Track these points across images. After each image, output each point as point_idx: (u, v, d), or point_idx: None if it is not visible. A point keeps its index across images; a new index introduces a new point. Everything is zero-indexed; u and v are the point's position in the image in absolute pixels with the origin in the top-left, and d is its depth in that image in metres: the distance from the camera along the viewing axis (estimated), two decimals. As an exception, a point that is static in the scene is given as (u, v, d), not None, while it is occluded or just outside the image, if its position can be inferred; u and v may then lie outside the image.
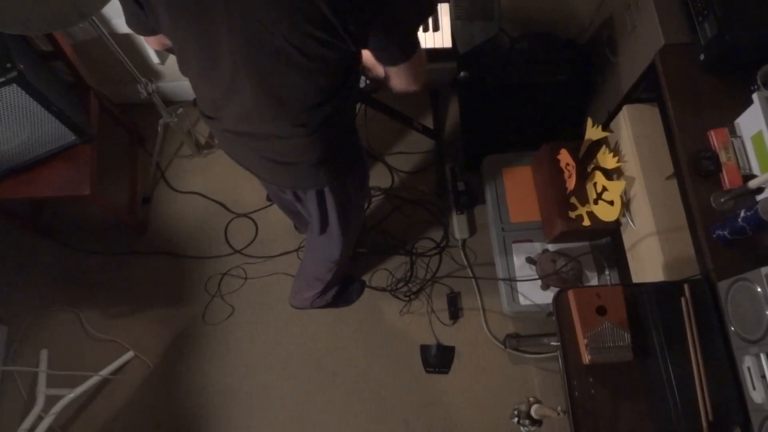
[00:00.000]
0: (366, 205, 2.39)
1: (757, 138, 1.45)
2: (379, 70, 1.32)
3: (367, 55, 1.18)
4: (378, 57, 1.17)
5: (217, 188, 2.48)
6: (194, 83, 1.27)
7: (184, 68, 1.24)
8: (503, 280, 2.19)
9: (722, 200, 1.47)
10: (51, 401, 2.00)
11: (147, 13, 1.14)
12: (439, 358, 2.22)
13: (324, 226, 1.63)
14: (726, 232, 1.40)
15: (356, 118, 1.53)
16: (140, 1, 1.12)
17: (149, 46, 2.10)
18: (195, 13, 1.05)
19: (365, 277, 2.35)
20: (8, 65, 1.57)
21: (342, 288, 2.22)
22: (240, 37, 1.04)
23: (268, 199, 2.41)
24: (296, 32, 1.01)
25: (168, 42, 1.26)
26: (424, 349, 2.24)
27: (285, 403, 2.18)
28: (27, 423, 1.93)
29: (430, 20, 1.78)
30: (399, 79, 1.25)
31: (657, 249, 1.72)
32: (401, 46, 1.15)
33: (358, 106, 2.41)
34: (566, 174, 2.04)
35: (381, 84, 1.36)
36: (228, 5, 1.00)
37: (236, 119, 1.25)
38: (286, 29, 1.00)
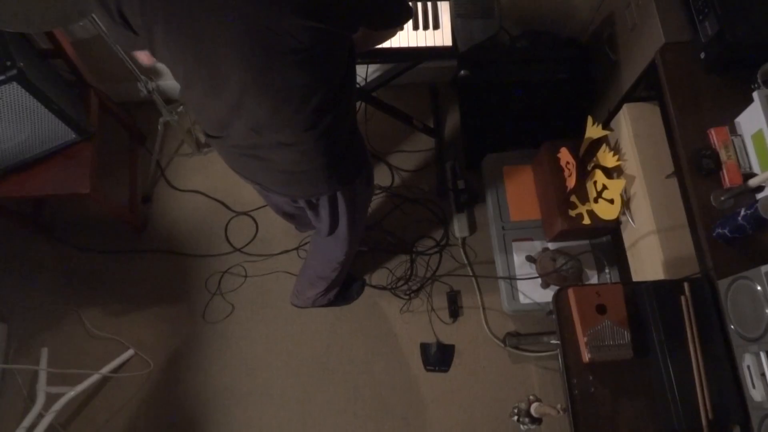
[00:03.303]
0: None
1: (758, 136, 1.45)
2: None
3: None
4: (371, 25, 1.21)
5: (218, 186, 2.48)
6: (198, 105, 1.27)
7: (187, 93, 1.24)
8: (503, 278, 2.19)
9: (722, 199, 1.47)
10: (51, 399, 2.00)
11: (142, 41, 1.14)
12: (439, 357, 2.22)
13: (333, 228, 1.64)
14: (726, 231, 1.40)
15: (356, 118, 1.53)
16: (135, 29, 1.11)
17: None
18: (193, 35, 1.05)
19: (365, 276, 2.35)
20: (8, 63, 1.57)
21: (343, 287, 2.22)
22: (244, 47, 1.04)
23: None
24: (297, 26, 1.01)
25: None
26: (424, 348, 2.24)
27: (285, 401, 2.18)
28: (27, 421, 1.93)
29: (431, 18, 1.77)
30: (373, 41, 1.28)
31: (657, 247, 1.73)
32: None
33: (357, 104, 2.42)
34: (566, 172, 2.04)
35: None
36: (225, 19, 1.00)
37: (245, 133, 1.25)
38: (287, 26, 1.01)
